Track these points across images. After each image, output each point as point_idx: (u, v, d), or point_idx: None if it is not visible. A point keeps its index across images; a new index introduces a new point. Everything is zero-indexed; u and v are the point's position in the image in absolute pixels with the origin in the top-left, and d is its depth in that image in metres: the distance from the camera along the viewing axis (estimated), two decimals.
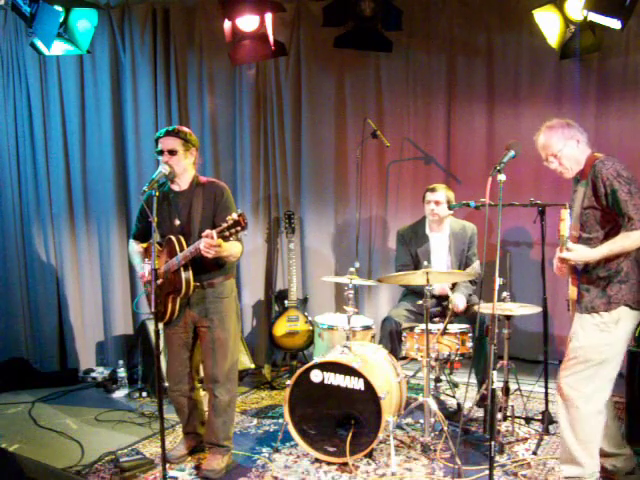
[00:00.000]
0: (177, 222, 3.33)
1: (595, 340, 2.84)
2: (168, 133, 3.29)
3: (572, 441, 2.89)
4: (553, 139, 2.95)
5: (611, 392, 2.93)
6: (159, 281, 3.24)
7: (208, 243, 3.00)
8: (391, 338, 4.13)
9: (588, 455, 2.88)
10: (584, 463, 2.88)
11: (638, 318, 2.89)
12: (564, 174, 3.00)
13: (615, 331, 2.83)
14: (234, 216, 2.94)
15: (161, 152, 3.27)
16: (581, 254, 2.85)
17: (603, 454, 3.06)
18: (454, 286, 4.35)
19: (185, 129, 3.36)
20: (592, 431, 2.87)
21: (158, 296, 3.23)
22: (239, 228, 2.93)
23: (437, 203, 4.30)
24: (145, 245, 3.56)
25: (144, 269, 3.39)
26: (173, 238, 3.26)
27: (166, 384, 3.68)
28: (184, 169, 3.33)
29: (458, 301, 4.15)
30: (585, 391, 2.85)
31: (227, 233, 2.95)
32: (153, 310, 2.97)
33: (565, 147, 2.92)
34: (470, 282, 4.38)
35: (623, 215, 2.77)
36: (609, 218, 2.84)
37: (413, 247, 4.40)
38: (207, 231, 3.02)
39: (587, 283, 2.91)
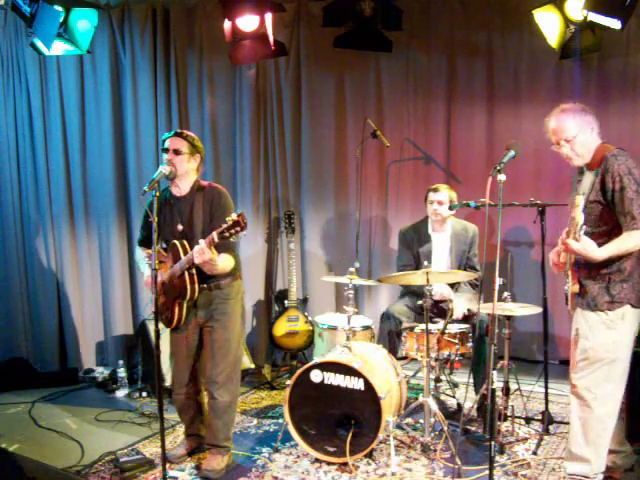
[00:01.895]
0: (180, 227, 3.36)
1: (604, 338, 2.81)
2: (176, 134, 3.38)
3: (581, 440, 2.85)
4: (569, 123, 2.85)
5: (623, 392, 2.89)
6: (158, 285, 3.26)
7: (197, 253, 3.06)
8: (390, 337, 4.12)
9: (596, 454, 2.85)
10: (592, 461, 2.84)
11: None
12: (573, 161, 2.91)
13: (622, 327, 2.80)
14: (233, 216, 2.94)
15: (166, 150, 3.32)
16: (588, 249, 2.69)
17: None
18: (453, 286, 4.34)
19: (193, 135, 3.43)
20: (603, 433, 2.84)
21: (160, 299, 3.23)
22: (238, 228, 2.93)
23: (440, 203, 4.29)
24: (150, 251, 3.57)
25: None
26: (177, 243, 3.28)
27: (166, 384, 3.68)
28: (186, 172, 3.35)
29: (458, 308, 4.09)
30: (600, 393, 2.81)
31: (227, 234, 2.95)
32: (153, 310, 2.97)
33: (580, 133, 2.83)
34: (471, 285, 4.38)
35: (626, 214, 2.72)
36: (613, 215, 2.79)
37: (415, 247, 4.39)
38: (201, 241, 3.05)
39: (587, 278, 2.86)
